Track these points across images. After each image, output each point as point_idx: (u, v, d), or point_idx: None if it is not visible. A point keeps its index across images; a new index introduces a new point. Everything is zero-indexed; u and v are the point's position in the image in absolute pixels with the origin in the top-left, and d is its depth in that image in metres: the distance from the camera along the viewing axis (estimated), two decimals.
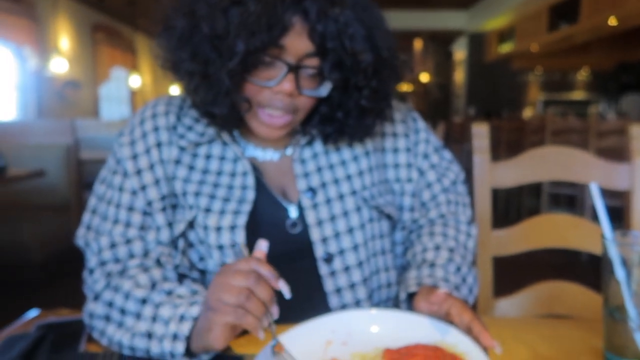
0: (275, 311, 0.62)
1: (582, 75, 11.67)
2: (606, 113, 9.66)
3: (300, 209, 0.82)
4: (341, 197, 0.83)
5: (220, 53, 0.69)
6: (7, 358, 0.63)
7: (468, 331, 0.65)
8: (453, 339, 0.64)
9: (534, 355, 0.69)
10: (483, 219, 1.19)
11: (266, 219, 0.81)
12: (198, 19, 0.69)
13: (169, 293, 0.71)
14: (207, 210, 0.79)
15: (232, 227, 0.78)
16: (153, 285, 0.73)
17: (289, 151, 0.86)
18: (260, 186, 0.82)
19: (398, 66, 0.79)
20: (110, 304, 0.72)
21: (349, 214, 0.83)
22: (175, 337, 0.65)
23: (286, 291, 0.63)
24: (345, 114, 0.79)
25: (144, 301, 0.70)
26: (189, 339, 0.65)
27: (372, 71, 0.74)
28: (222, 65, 0.69)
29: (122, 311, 0.71)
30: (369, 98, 0.77)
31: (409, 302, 0.79)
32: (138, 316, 0.69)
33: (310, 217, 0.81)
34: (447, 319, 0.68)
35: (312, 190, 0.83)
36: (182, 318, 0.65)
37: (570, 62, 10.72)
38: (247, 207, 0.79)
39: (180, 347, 0.64)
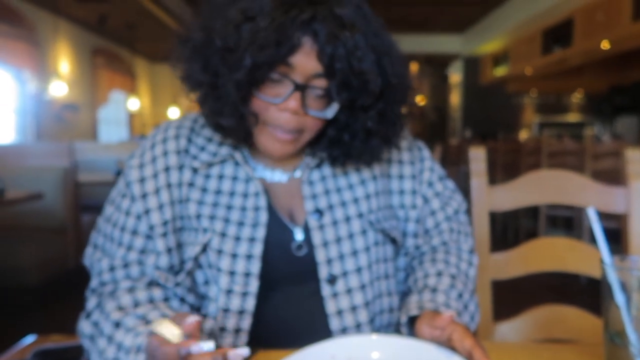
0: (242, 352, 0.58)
1: (577, 97, 11.81)
2: (601, 135, 9.74)
3: (306, 231, 0.83)
4: (348, 219, 0.84)
5: (229, 66, 0.71)
6: None
7: (469, 357, 0.64)
8: None
9: None
10: (481, 242, 1.19)
11: (273, 240, 0.81)
12: (213, 33, 0.72)
13: (141, 318, 0.72)
14: (223, 234, 0.79)
15: (249, 257, 0.78)
16: (135, 305, 0.75)
17: (298, 173, 0.86)
18: (269, 208, 0.83)
19: (408, 94, 0.81)
20: (96, 324, 0.74)
21: (354, 237, 0.83)
22: None
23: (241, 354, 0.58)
24: (352, 136, 0.80)
25: (117, 325, 0.72)
26: None
27: (379, 93, 0.76)
28: (230, 78, 0.71)
29: (102, 332, 0.73)
30: (375, 120, 0.78)
31: (410, 326, 0.79)
32: (110, 339, 0.71)
33: (317, 238, 0.82)
34: (448, 344, 0.67)
35: (319, 212, 0.83)
36: (138, 349, 0.66)
37: (564, 84, 10.86)
38: (261, 233, 0.79)
39: None
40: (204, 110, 0.78)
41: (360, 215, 0.85)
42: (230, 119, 0.75)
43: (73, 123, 6.95)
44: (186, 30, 0.77)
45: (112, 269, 0.79)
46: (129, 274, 0.79)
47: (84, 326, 0.76)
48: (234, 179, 0.83)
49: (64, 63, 6.73)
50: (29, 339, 0.85)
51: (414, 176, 0.92)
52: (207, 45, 0.73)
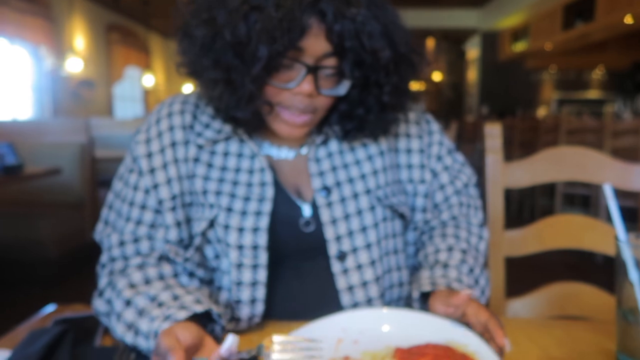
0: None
1: (597, 74, 11.52)
2: (622, 112, 9.52)
3: (314, 207, 0.83)
4: (355, 196, 0.84)
5: (243, 59, 0.70)
6: (31, 351, 0.65)
7: (485, 330, 0.65)
8: (464, 338, 0.65)
9: (545, 356, 0.68)
10: (496, 219, 1.18)
11: (281, 217, 0.81)
12: (219, 27, 0.70)
13: (153, 299, 0.72)
14: (229, 209, 0.80)
15: (255, 230, 0.79)
16: (146, 282, 0.75)
17: (304, 150, 0.86)
18: (276, 184, 0.83)
19: (416, 61, 0.80)
20: (109, 302, 0.75)
21: (363, 213, 0.83)
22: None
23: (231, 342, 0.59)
24: (366, 111, 0.80)
25: (128, 303, 0.72)
26: None
27: (393, 67, 0.76)
28: (244, 71, 0.70)
29: (114, 310, 0.73)
30: (391, 94, 0.78)
31: (422, 301, 0.79)
32: (118, 317, 0.71)
33: (325, 216, 0.82)
34: (462, 319, 0.68)
35: (326, 189, 0.83)
36: (156, 334, 0.66)
37: (585, 60, 10.59)
38: (267, 207, 0.80)
39: None
40: (218, 106, 0.77)
41: (368, 192, 0.84)
42: (247, 111, 0.74)
43: (89, 99, 7.00)
44: (186, 26, 0.75)
45: (121, 243, 0.80)
46: (138, 249, 0.79)
47: (98, 304, 0.77)
48: (239, 155, 0.83)
49: (79, 39, 6.75)
50: (50, 308, 0.87)
51: (422, 150, 0.91)
52: (215, 39, 0.71)
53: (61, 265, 3.34)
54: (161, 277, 0.78)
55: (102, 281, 0.79)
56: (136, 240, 0.80)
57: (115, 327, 0.72)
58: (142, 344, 0.67)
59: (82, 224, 3.56)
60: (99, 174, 3.81)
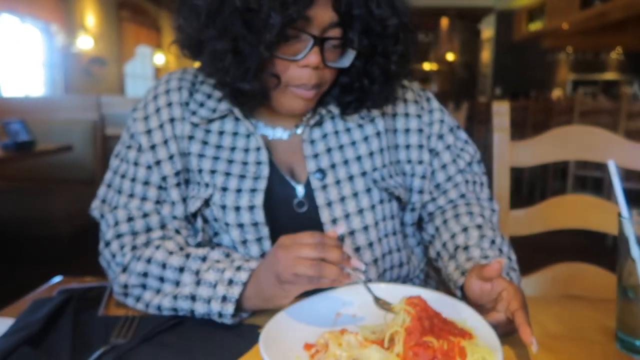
0: (359, 265, 0.63)
1: (615, 55, 11.27)
2: (639, 94, 9.34)
3: (308, 188, 0.82)
4: (351, 178, 0.83)
5: (251, 28, 0.68)
6: (33, 319, 0.66)
7: (511, 318, 0.62)
8: (463, 314, 0.65)
9: (544, 333, 0.68)
10: (501, 198, 1.17)
11: (275, 196, 0.81)
12: None
13: (204, 259, 0.73)
14: (224, 189, 0.79)
15: (251, 207, 0.78)
16: (181, 251, 0.75)
17: (299, 130, 0.85)
18: (270, 164, 0.82)
19: (414, 31, 0.80)
20: (144, 274, 0.74)
21: (359, 195, 0.82)
22: (224, 299, 0.67)
23: (360, 265, 0.63)
24: (370, 81, 0.80)
25: (181, 269, 0.73)
26: (237, 302, 0.68)
27: (401, 36, 0.76)
28: (253, 40, 0.69)
29: (161, 279, 0.74)
30: (397, 63, 0.78)
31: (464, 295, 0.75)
32: (177, 283, 0.72)
33: (320, 199, 0.81)
34: (494, 303, 0.65)
35: (321, 172, 0.82)
36: (230, 282, 0.68)
37: (603, 41, 10.36)
38: (262, 184, 0.79)
39: (230, 308, 0.67)
40: (223, 78, 0.75)
41: (363, 174, 0.83)
42: (254, 82, 0.73)
43: (100, 77, 7.02)
44: None
45: (130, 219, 0.79)
46: (149, 224, 0.79)
47: (128, 279, 0.75)
48: (235, 134, 0.82)
49: (90, 16, 6.74)
50: (56, 279, 0.89)
51: (420, 130, 0.90)
52: (221, 7, 0.69)
53: (72, 241, 3.39)
54: (189, 246, 0.78)
55: (124, 257, 0.77)
56: (145, 215, 0.80)
57: (158, 298, 0.72)
58: (205, 293, 0.69)
59: (93, 200, 3.60)
60: (110, 152, 3.83)
